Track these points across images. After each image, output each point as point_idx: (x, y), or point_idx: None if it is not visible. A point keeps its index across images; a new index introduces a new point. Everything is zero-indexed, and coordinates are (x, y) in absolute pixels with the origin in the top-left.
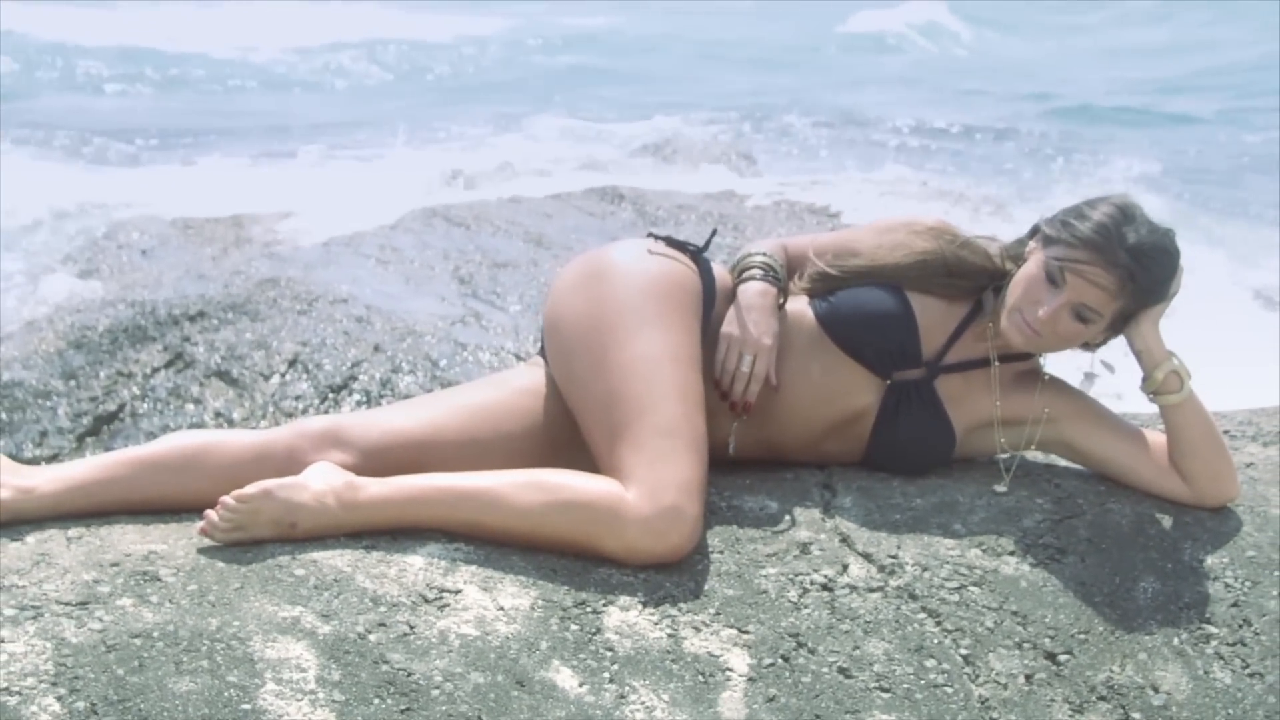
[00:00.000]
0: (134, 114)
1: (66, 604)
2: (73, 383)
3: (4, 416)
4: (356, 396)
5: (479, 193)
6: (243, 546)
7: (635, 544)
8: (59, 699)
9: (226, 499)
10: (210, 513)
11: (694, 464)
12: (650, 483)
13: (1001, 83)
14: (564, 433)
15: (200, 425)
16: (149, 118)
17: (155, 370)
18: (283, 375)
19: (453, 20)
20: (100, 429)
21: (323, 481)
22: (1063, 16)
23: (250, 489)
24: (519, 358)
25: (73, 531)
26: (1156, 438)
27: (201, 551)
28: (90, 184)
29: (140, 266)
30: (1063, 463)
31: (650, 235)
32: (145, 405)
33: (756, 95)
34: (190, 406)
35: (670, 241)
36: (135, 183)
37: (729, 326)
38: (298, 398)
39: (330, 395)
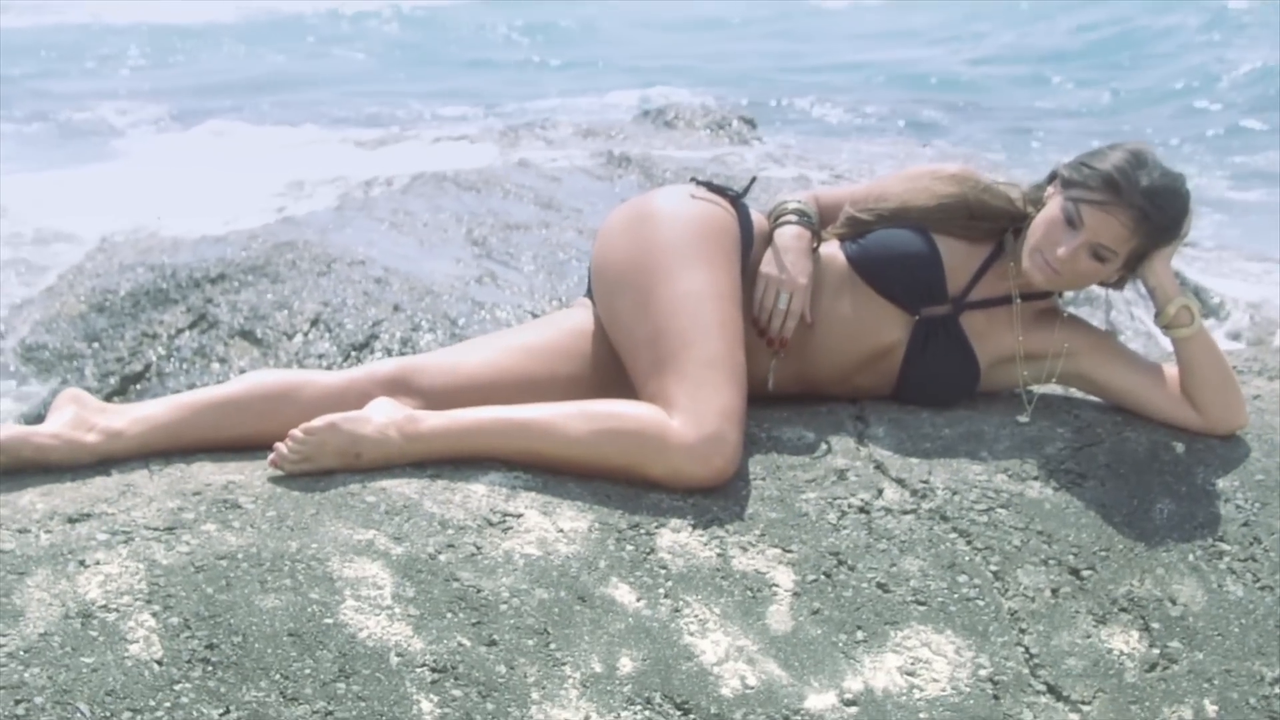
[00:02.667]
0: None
1: (155, 529)
2: (97, 344)
3: (31, 378)
4: (378, 354)
5: (485, 157)
6: (314, 477)
7: (681, 469)
8: (154, 615)
9: (295, 432)
10: (280, 445)
11: (735, 393)
12: (694, 411)
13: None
14: (611, 372)
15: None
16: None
17: (180, 331)
18: (305, 334)
19: None
20: (127, 389)
21: (385, 415)
22: None
23: (317, 422)
24: (535, 315)
25: (154, 464)
26: (1170, 370)
27: (276, 481)
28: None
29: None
30: (1081, 395)
31: (692, 180)
32: (171, 365)
33: (750, 61)
34: (216, 365)
35: (711, 187)
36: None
37: (767, 267)
38: (321, 355)
39: (353, 353)
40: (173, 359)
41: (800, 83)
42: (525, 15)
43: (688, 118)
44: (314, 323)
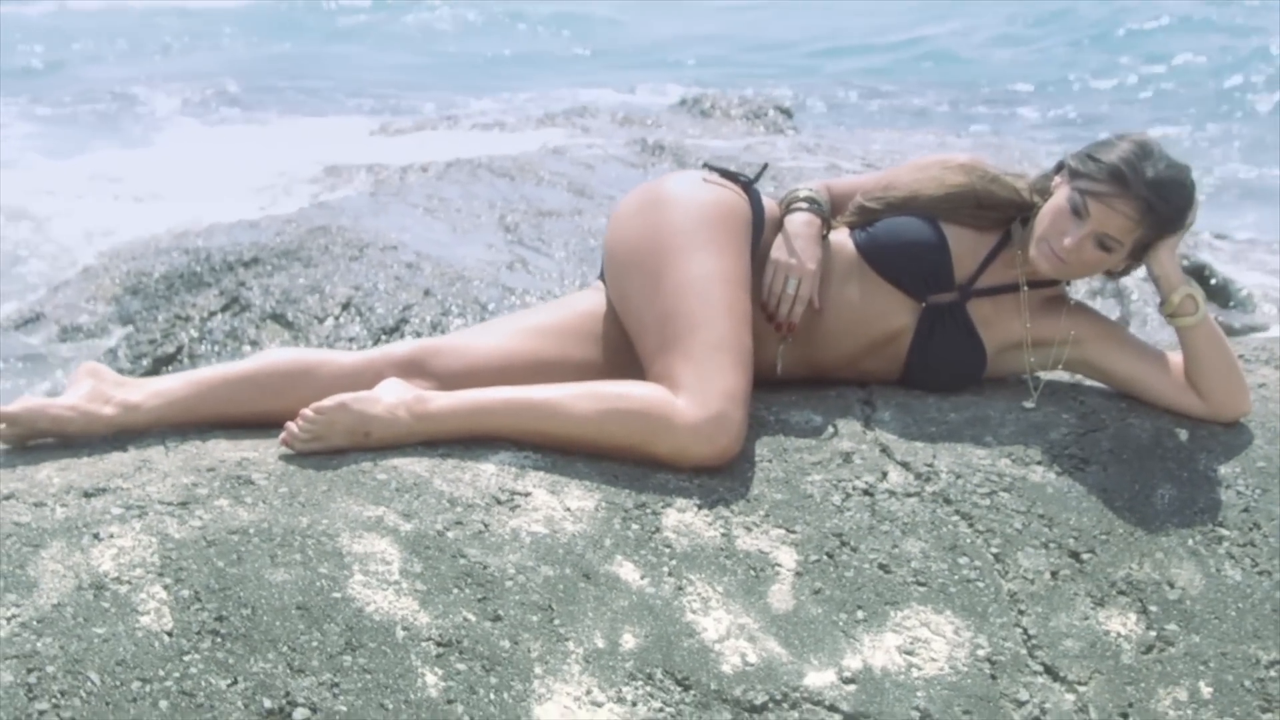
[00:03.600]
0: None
1: (169, 504)
2: (130, 326)
3: (65, 358)
4: (408, 338)
5: (520, 145)
6: (326, 455)
7: (685, 448)
8: (165, 587)
9: (305, 411)
10: (290, 424)
11: (740, 375)
12: (700, 391)
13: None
14: (623, 353)
15: None
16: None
17: (212, 314)
18: (336, 318)
19: None
20: (160, 370)
21: (394, 395)
22: None
23: (327, 401)
24: None
25: (170, 441)
26: (1175, 358)
27: (289, 459)
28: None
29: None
30: (1088, 382)
31: (705, 166)
32: (203, 347)
33: (792, 48)
34: (247, 348)
35: (724, 172)
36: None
37: (776, 253)
38: (351, 339)
39: (383, 337)
40: (204, 341)
41: (842, 67)
42: (564, 4)
43: (724, 107)
44: (345, 306)
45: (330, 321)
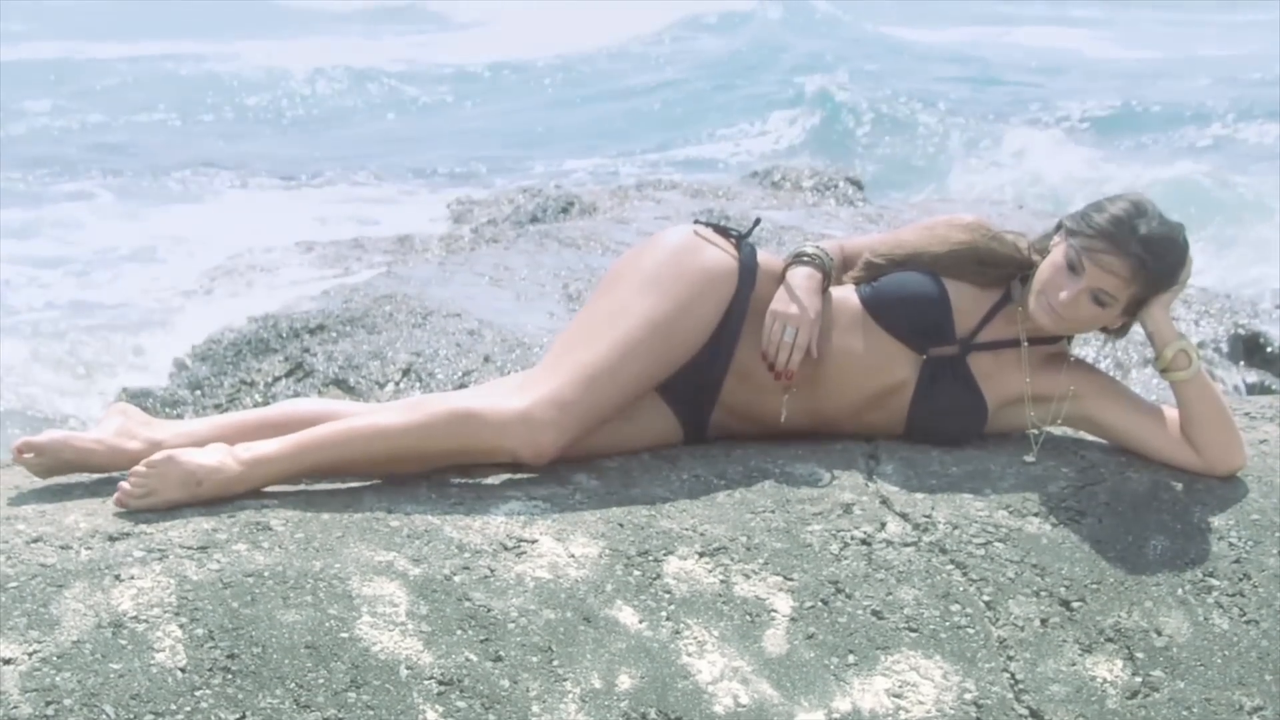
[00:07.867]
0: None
1: (189, 548)
2: (199, 392)
3: None
4: (431, 394)
5: (592, 219)
6: (343, 503)
7: (499, 441)
8: (181, 626)
9: (137, 468)
10: (123, 484)
11: (586, 395)
12: (533, 391)
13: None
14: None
15: None
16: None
17: (276, 379)
18: (397, 383)
19: (542, 41)
20: None
21: (223, 450)
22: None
23: (156, 455)
24: None
25: None
26: (1171, 413)
27: (308, 506)
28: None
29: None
30: (1089, 437)
31: (696, 221)
32: None
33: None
34: None
35: (716, 228)
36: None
37: (776, 304)
38: None
39: None
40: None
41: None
42: (692, 57)
43: (794, 178)
44: (405, 372)
45: (390, 386)
